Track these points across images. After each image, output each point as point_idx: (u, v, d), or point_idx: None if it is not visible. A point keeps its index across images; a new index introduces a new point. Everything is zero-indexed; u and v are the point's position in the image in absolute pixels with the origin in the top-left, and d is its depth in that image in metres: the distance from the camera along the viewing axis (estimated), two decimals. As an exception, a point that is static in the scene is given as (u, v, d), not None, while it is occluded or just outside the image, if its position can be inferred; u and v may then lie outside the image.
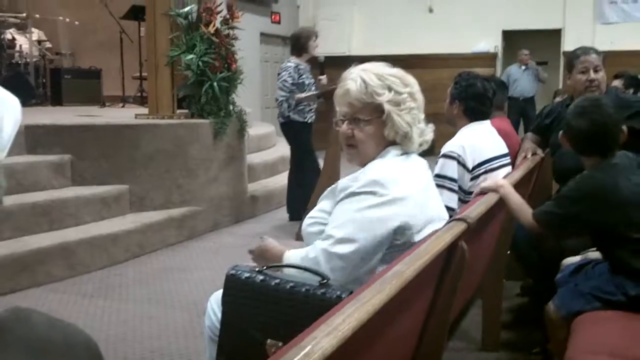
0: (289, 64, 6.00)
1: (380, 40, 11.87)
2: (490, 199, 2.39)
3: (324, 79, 6.08)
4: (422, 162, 2.08)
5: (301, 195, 5.80)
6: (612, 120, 2.45)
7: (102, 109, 8.33)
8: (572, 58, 3.52)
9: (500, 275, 3.20)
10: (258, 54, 11.35)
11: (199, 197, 5.69)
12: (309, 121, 6.04)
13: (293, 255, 2.00)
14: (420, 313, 1.79)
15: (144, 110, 6.44)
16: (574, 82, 3.46)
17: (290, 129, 6.07)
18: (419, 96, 2.03)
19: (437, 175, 2.96)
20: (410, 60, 11.46)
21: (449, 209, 2.79)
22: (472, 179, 3.02)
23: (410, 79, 2.04)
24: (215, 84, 5.73)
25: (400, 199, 1.87)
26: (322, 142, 5.90)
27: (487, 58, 11.57)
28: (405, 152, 2.01)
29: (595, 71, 3.38)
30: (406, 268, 1.43)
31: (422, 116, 2.04)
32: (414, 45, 11.61)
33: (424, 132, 2.04)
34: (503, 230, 2.97)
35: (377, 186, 1.86)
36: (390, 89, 1.96)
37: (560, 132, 2.63)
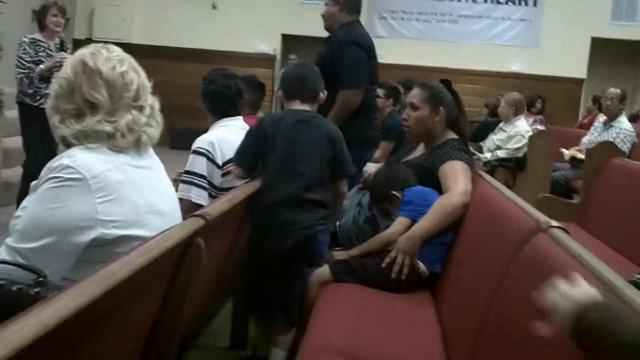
0: (23, 38, 5.22)
1: (161, 31, 11.57)
2: (237, 195, 2.35)
3: (58, 55, 5.18)
4: (144, 155, 1.85)
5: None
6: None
7: None
8: None
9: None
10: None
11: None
12: (43, 106, 5.25)
13: None
14: (147, 312, 1.68)
15: None
16: None
17: (19, 112, 5.30)
18: (62, 83, 1.77)
19: (187, 172, 2.92)
20: (191, 54, 11.37)
21: (198, 205, 2.75)
22: (223, 175, 2.98)
23: (68, 68, 1.78)
24: (-35, 58, 5.16)
25: (95, 185, 1.64)
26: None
27: (267, 59, 11.75)
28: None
29: (325, 4, 3.95)
30: (122, 267, 1.32)
31: (69, 105, 1.75)
32: (196, 39, 11.48)
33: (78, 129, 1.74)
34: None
35: (67, 170, 1.64)
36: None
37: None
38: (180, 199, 2.63)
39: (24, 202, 1.75)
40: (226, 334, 3.22)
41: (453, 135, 2.95)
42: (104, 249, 1.63)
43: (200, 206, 2.69)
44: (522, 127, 6.44)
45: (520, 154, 6.26)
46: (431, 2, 11.19)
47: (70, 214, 1.62)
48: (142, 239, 1.65)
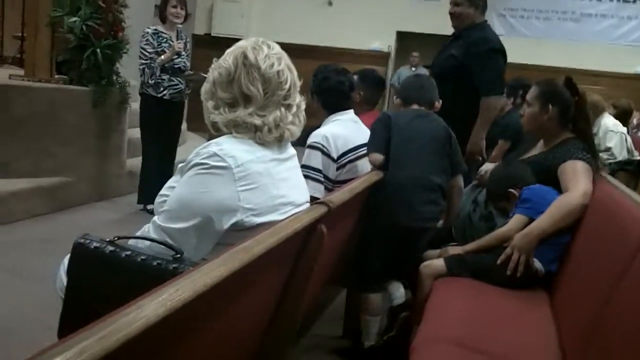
0: (146, 30, 5.38)
1: (278, 27, 11.85)
2: (357, 186, 2.41)
3: (176, 44, 5.34)
4: (283, 150, 1.94)
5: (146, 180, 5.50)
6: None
7: (-23, 67, 7.82)
8: None
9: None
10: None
11: (73, 167, 5.44)
12: (166, 97, 5.35)
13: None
14: (272, 293, 1.78)
15: (23, 72, 6.08)
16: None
17: (141, 103, 5.49)
18: (222, 72, 1.86)
19: (303, 166, 2.98)
20: (306, 50, 11.56)
21: (315, 198, 2.84)
22: (338, 169, 3.07)
23: (229, 58, 1.86)
24: (98, 50, 5.47)
25: (239, 174, 1.73)
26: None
27: (380, 57, 11.80)
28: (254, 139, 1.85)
29: (456, 4, 4.00)
30: (256, 244, 1.41)
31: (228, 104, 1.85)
32: (311, 36, 11.70)
33: (240, 121, 1.83)
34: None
35: (214, 158, 1.74)
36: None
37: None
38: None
39: (171, 182, 1.89)
40: (339, 323, 3.31)
41: (571, 135, 2.89)
42: (241, 234, 1.71)
43: (317, 199, 2.80)
44: (609, 123, 6.30)
45: (624, 153, 6.09)
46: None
47: (215, 199, 1.72)
48: None
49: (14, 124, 5.05)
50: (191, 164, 1.77)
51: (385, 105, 11.23)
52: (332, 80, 3.22)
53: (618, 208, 2.29)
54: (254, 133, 1.83)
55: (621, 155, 6.16)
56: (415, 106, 3.14)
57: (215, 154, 1.74)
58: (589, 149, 2.82)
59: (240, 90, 1.84)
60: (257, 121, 1.83)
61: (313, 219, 1.81)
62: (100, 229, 4.85)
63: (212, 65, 1.93)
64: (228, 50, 1.91)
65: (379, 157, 2.94)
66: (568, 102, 2.90)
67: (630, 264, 1.82)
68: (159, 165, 5.52)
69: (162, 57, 5.28)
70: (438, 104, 3.20)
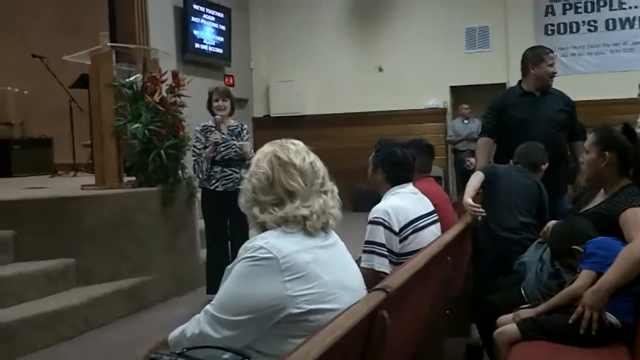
0: (197, 127, 5.61)
1: (333, 99, 12.14)
2: (416, 264, 2.42)
3: (212, 137, 5.42)
4: (328, 237, 2.01)
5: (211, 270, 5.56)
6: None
7: (53, 178, 8.28)
8: (539, 53, 4.47)
9: (441, 334, 3.22)
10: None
11: (149, 266, 5.62)
12: (219, 189, 5.46)
13: (176, 332, 2.02)
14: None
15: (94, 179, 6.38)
16: (542, 72, 4.40)
17: (201, 195, 5.75)
18: (261, 178, 1.97)
19: (367, 242, 3.04)
20: (363, 117, 11.76)
21: (382, 273, 2.88)
22: (401, 241, 3.09)
23: (264, 163, 1.98)
24: (162, 152, 5.73)
25: (285, 264, 1.81)
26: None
27: (437, 113, 11.86)
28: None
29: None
30: (312, 347, 1.44)
31: (267, 197, 1.95)
32: (366, 103, 11.90)
33: (272, 215, 1.94)
34: (439, 292, 3.00)
35: (260, 251, 1.83)
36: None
37: None
38: (364, 268, 2.82)
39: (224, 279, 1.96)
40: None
41: (630, 181, 2.85)
42: (296, 324, 1.79)
43: (382, 273, 2.84)
44: None
45: None
46: (601, 34, 10.76)
47: (262, 292, 1.80)
48: (334, 311, 1.81)
49: (91, 232, 5.29)
50: (239, 258, 1.87)
51: (449, 165, 11.30)
52: (399, 155, 3.30)
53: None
54: (303, 224, 1.92)
55: None
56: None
57: (262, 247, 1.83)
58: None
59: (284, 188, 1.95)
60: (305, 212, 1.93)
61: (371, 308, 1.82)
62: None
63: (245, 177, 2.05)
64: (257, 157, 2.04)
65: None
66: (626, 148, 2.87)
67: None
68: (232, 254, 5.60)
69: (206, 151, 5.43)
70: (543, 167, 3.83)
